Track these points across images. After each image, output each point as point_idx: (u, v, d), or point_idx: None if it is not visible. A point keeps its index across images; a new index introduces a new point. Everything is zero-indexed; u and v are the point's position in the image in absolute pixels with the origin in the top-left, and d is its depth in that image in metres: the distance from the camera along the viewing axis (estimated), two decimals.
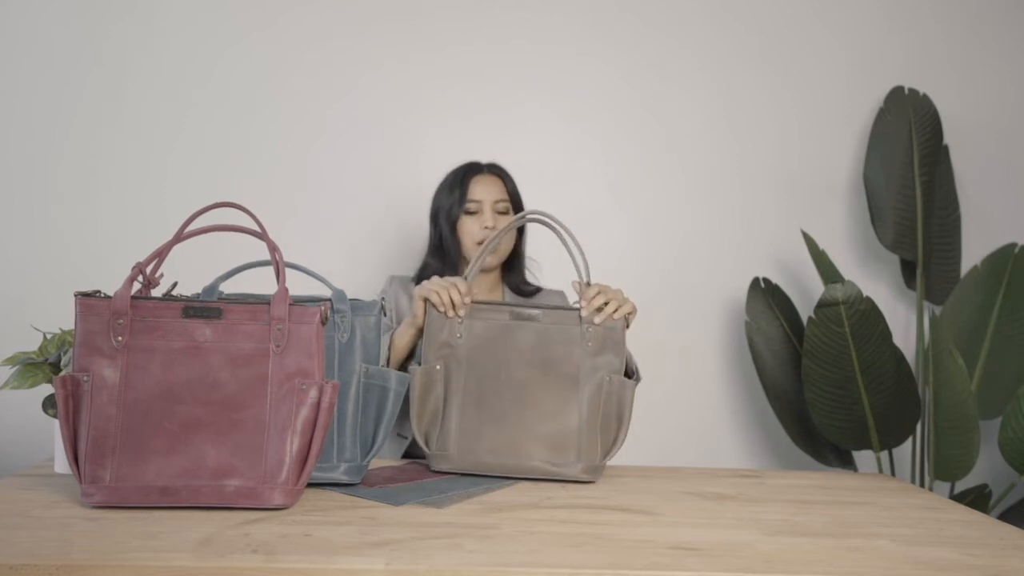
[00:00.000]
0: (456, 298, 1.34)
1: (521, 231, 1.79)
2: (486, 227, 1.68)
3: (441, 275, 1.67)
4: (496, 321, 1.36)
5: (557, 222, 1.36)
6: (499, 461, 1.29)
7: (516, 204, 1.76)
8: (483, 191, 1.71)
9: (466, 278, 1.39)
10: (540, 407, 1.31)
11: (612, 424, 1.32)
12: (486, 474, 1.30)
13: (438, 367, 1.34)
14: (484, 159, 1.81)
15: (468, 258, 1.72)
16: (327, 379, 1.11)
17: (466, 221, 1.70)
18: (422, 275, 1.73)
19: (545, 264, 1.89)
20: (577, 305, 1.36)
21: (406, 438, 1.65)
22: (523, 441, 1.30)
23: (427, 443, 1.32)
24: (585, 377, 1.32)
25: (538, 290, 1.82)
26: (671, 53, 2.30)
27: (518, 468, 1.29)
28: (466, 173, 1.73)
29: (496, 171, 1.76)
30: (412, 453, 1.66)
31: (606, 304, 1.34)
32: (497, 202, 1.71)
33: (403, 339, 1.46)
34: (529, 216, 1.39)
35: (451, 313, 1.35)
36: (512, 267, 1.80)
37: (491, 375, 1.33)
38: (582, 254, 1.36)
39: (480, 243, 1.68)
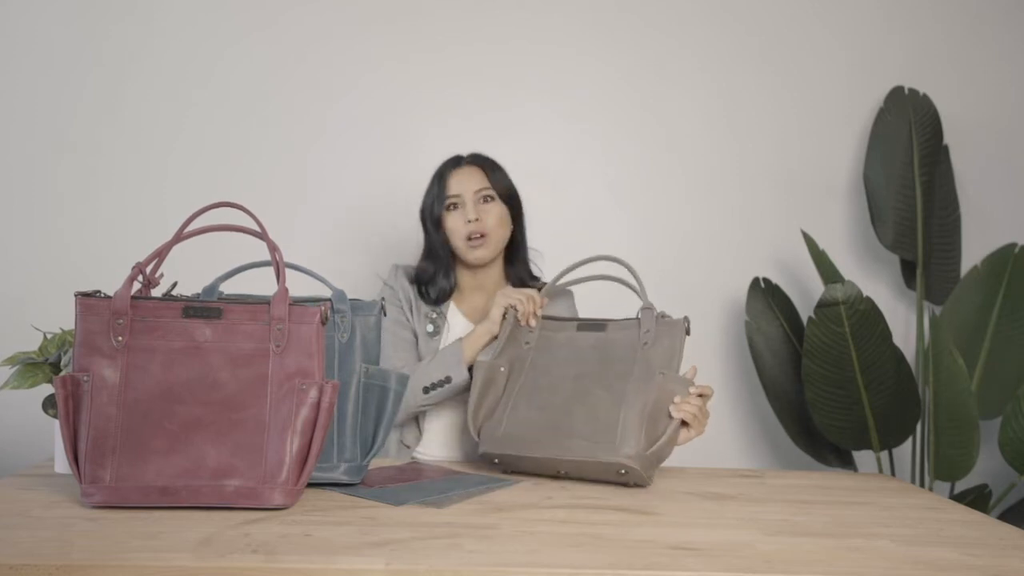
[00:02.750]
0: (534, 309, 1.47)
1: (518, 217, 1.71)
2: (469, 220, 1.61)
3: (434, 277, 1.67)
4: (564, 332, 1.45)
5: (626, 265, 1.43)
6: (542, 449, 1.30)
7: (505, 193, 1.67)
8: (461, 183, 1.64)
9: (539, 290, 1.52)
10: (591, 403, 1.33)
11: (662, 420, 1.30)
12: (529, 455, 1.31)
13: (503, 368, 1.43)
14: (475, 152, 1.73)
15: (458, 255, 1.66)
16: (327, 379, 1.11)
17: (448, 217, 1.63)
18: (418, 277, 1.69)
19: (548, 254, 1.82)
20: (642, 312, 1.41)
21: (409, 447, 1.64)
22: (568, 433, 1.30)
23: (479, 436, 1.39)
24: (639, 372, 1.34)
25: (544, 285, 1.72)
26: (671, 53, 2.30)
27: (559, 453, 1.29)
28: (444, 169, 1.67)
29: (476, 161, 1.68)
30: None
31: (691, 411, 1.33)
32: (478, 191, 1.63)
33: (477, 347, 1.52)
34: (596, 258, 1.47)
35: (528, 322, 1.47)
36: (515, 259, 1.72)
37: (549, 374, 1.40)
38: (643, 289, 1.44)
39: (468, 238, 1.62)
